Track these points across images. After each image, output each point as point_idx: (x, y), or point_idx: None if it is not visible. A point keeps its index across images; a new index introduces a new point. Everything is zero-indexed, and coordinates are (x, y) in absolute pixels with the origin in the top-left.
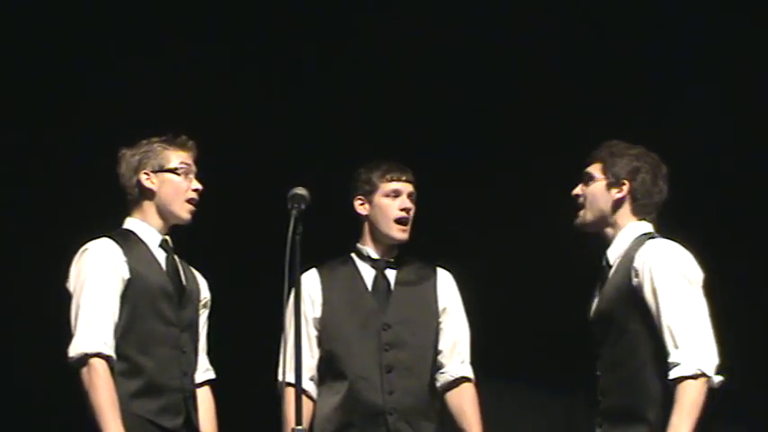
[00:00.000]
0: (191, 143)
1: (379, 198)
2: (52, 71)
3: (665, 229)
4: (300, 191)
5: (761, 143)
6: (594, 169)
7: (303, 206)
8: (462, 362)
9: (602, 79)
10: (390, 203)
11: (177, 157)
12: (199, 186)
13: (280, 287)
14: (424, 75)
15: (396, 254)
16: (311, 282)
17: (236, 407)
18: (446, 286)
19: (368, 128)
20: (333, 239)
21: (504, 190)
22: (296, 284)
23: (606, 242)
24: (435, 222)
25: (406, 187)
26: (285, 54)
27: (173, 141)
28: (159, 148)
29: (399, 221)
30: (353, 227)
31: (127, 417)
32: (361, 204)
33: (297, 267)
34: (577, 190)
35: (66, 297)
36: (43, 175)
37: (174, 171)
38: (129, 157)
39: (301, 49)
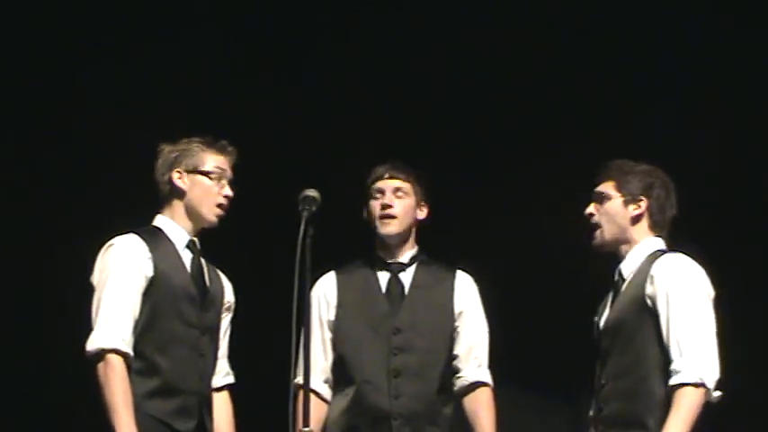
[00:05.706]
0: (231, 149)
1: (369, 202)
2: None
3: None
4: (312, 193)
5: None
6: (607, 188)
7: (314, 208)
8: (479, 366)
9: (612, 79)
10: (375, 203)
11: (213, 161)
12: (230, 193)
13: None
14: (427, 74)
15: (411, 255)
16: (328, 284)
17: (252, 410)
18: (464, 289)
19: (373, 129)
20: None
21: (507, 191)
22: (305, 286)
23: (619, 257)
24: (435, 222)
25: (390, 184)
26: (288, 53)
27: (212, 144)
28: (197, 149)
29: (382, 217)
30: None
31: (140, 416)
32: (365, 210)
33: (307, 269)
34: (591, 209)
35: (91, 292)
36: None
37: (206, 174)
38: (166, 152)
39: (303, 48)
